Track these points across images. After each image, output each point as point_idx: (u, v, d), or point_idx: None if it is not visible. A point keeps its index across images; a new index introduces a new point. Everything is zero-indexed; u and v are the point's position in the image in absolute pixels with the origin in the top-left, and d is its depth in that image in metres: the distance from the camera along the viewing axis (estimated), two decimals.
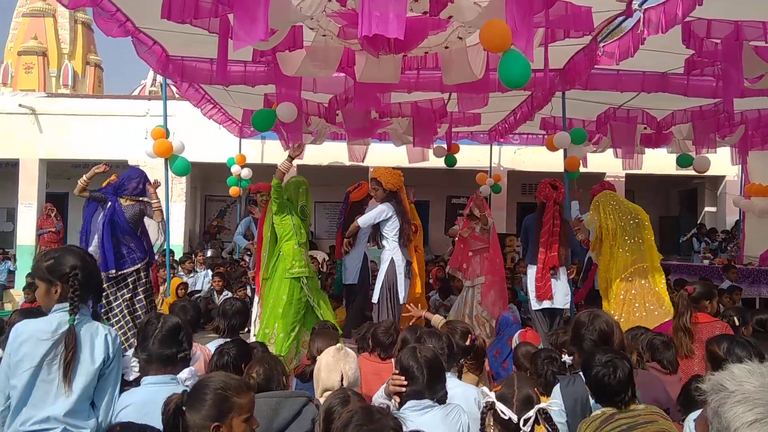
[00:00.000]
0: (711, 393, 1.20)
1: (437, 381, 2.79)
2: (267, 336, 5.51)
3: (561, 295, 6.52)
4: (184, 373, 2.72)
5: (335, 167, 13.32)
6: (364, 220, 6.36)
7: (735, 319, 4.60)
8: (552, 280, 6.48)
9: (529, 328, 4.60)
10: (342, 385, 3.01)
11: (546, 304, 6.46)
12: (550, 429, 2.67)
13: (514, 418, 2.58)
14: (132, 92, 20.69)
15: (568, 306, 6.58)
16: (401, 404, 2.80)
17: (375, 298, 6.22)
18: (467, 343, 3.91)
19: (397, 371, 2.84)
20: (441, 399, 2.82)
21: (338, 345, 3.26)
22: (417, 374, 2.76)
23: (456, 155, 11.53)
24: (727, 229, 13.56)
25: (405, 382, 2.76)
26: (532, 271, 6.63)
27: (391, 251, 6.26)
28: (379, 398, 2.97)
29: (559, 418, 2.79)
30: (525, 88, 7.42)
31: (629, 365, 2.65)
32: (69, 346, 2.50)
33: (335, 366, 3.08)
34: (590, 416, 2.60)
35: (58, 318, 2.58)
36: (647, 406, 2.59)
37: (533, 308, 6.61)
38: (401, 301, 6.19)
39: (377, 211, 6.29)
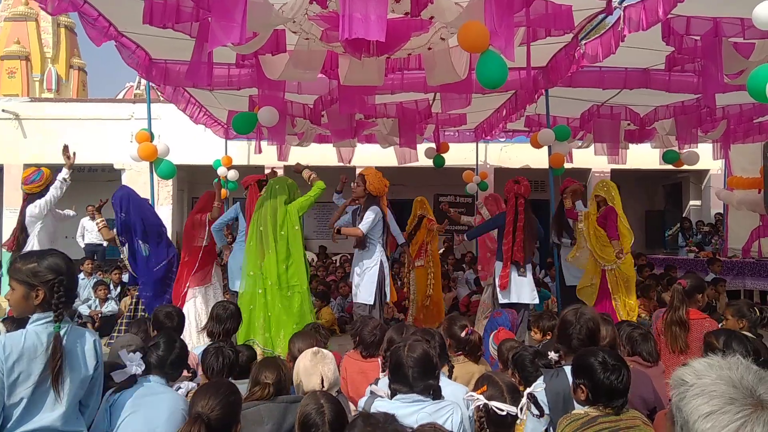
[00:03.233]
0: (673, 387, 1.23)
1: (425, 377, 2.82)
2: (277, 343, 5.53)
3: (528, 290, 6.56)
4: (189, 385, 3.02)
5: (322, 168, 13.29)
6: (366, 227, 6.20)
7: (756, 310, 4.66)
8: (519, 276, 6.52)
9: (501, 328, 4.63)
10: (323, 386, 3.04)
11: (513, 298, 6.52)
12: (538, 412, 2.71)
13: (513, 410, 2.62)
14: (117, 95, 20.58)
15: (536, 301, 6.61)
16: (392, 396, 2.85)
17: (370, 300, 6.20)
18: (462, 334, 3.96)
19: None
20: (434, 394, 2.86)
21: (314, 348, 3.29)
22: (405, 372, 2.82)
23: (443, 154, 11.58)
24: (711, 222, 13.69)
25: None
26: (499, 267, 6.70)
27: (380, 254, 6.31)
28: (375, 390, 3.01)
29: (544, 406, 2.83)
30: (508, 87, 7.52)
31: (628, 368, 2.66)
32: (56, 355, 2.44)
33: (314, 369, 3.11)
34: (571, 414, 2.60)
35: (45, 331, 2.49)
36: (629, 410, 2.62)
37: (499, 301, 6.65)
38: (388, 300, 6.36)
39: (372, 215, 6.24)
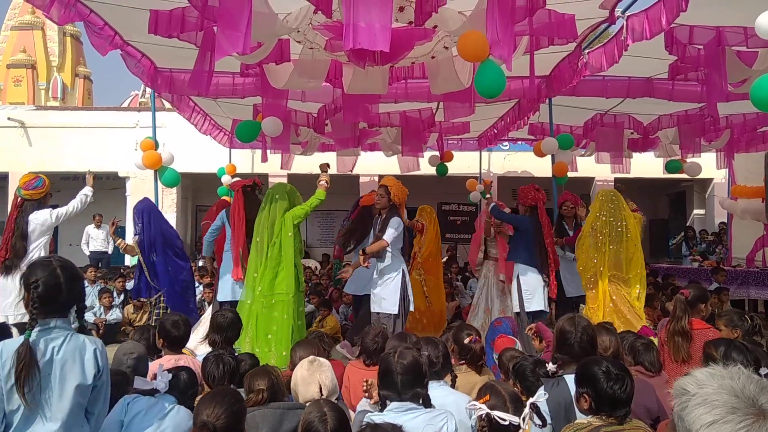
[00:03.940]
0: (675, 397, 1.24)
1: (414, 384, 2.82)
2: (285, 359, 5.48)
3: (542, 298, 6.59)
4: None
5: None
6: (391, 238, 6.16)
7: (748, 318, 4.66)
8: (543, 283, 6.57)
9: (502, 335, 4.61)
10: (321, 394, 3.04)
11: (532, 307, 6.53)
12: (540, 422, 2.70)
13: (515, 420, 2.61)
14: (122, 103, 20.69)
15: (547, 308, 6.62)
16: (383, 407, 2.84)
17: (395, 310, 6.13)
18: (466, 341, 3.95)
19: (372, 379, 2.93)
20: (424, 402, 2.86)
21: (311, 357, 3.30)
22: (394, 379, 2.82)
23: (446, 163, 11.60)
24: (716, 231, 13.68)
25: (372, 383, 2.90)
26: (529, 273, 6.67)
27: (401, 263, 6.29)
28: (363, 406, 3.01)
29: (546, 416, 2.83)
30: (512, 95, 7.53)
31: (632, 378, 2.66)
32: (20, 362, 2.39)
33: (311, 378, 3.12)
34: (574, 424, 2.59)
35: (41, 338, 2.49)
36: (633, 420, 2.61)
37: (526, 310, 6.62)
38: (411, 309, 6.33)
39: (397, 225, 6.23)
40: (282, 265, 5.72)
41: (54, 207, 6.24)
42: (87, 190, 6.46)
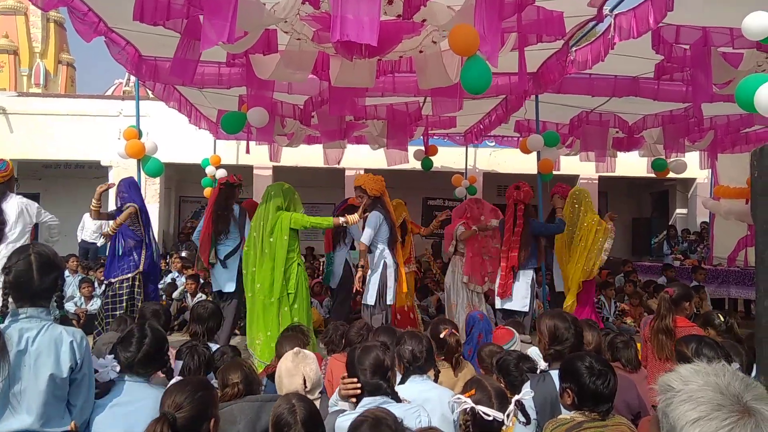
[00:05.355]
0: (660, 393, 1.24)
1: (374, 377, 2.84)
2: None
3: (519, 297, 6.59)
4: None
5: (311, 169, 13.30)
6: (367, 238, 6.19)
7: (720, 316, 4.73)
8: (510, 280, 6.58)
9: (500, 327, 4.64)
10: (305, 387, 3.03)
11: (506, 304, 6.56)
12: (524, 419, 2.71)
13: (499, 416, 2.61)
14: (106, 92, 20.45)
15: (526, 309, 6.60)
16: (357, 404, 2.84)
17: (371, 300, 6.18)
18: (441, 335, 3.96)
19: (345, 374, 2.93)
20: (393, 397, 2.87)
21: (295, 349, 3.30)
22: (356, 373, 2.85)
23: (432, 157, 11.60)
24: (697, 231, 13.82)
25: (358, 385, 2.84)
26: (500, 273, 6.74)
27: (385, 255, 6.28)
28: (335, 403, 3.00)
29: (531, 413, 2.84)
30: (499, 91, 7.54)
31: (614, 374, 2.68)
32: None
33: (296, 370, 3.12)
34: (557, 419, 2.61)
35: (16, 327, 2.45)
36: (615, 416, 2.63)
37: (496, 307, 6.77)
38: (389, 302, 6.28)
39: (374, 222, 6.23)
40: (276, 263, 5.77)
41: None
42: (56, 233, 6.60)
